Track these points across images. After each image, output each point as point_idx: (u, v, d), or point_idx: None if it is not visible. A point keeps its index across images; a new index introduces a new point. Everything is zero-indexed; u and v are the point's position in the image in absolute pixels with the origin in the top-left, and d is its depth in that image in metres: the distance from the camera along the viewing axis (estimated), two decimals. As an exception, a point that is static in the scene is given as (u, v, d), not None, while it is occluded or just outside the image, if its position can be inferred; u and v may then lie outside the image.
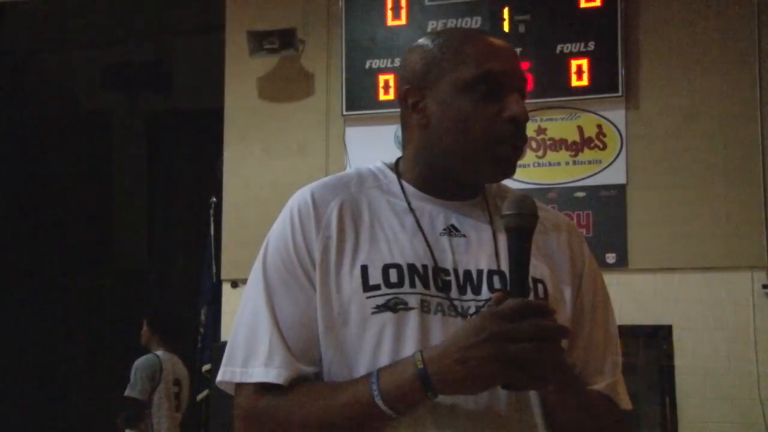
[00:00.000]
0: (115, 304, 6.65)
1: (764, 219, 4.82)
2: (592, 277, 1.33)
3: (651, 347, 4.95)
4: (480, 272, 1.23)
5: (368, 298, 1.18)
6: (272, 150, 5.60)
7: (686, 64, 5.04)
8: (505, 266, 1.22)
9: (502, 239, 1.23)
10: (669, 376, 4.83)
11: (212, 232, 5.74)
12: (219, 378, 1.24)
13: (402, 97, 1.30)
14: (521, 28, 5.13)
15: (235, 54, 5.68)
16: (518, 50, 4.83)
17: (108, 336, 6.62)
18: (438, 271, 1.21)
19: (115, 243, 6.77)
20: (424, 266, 1.21)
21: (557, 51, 5.09)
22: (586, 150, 5.11)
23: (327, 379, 1.20)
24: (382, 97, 5.32)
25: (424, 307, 1.18)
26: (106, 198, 6.86)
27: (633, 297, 4.81)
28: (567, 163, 5.13)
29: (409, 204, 1.27)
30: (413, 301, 1.18)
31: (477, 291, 1.21)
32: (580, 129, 5.12)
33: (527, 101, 1.27)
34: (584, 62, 5.05)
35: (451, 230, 1.26)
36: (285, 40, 5.42)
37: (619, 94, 5.03)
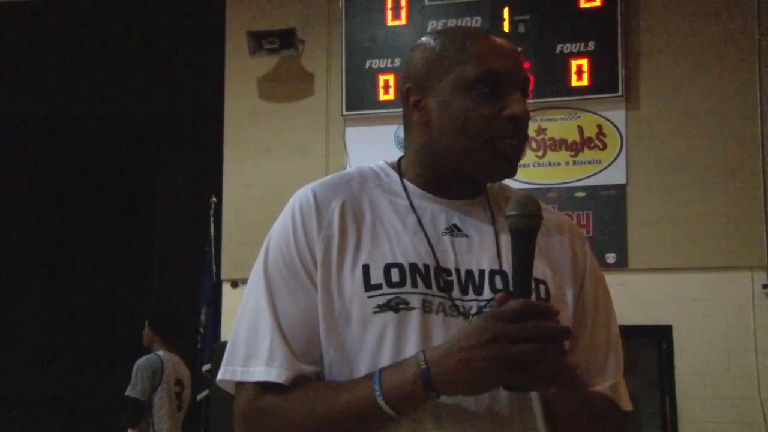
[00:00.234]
0: (115, 303, 6.64)
1: (764, 219, 4.83)
2: (593, 278, 1.32)
3: (651, 347, 4.95)
4: (482, 272, 1.22)
5: (370, 297, 1.18)
6: (272, 150, 5.61)
7: (686, 64, 5.04)
8: (507, 266, 1.22)
9: (505, 239, 1.23)
10: (669, 376, 4.83)
11: (212, 232, 5.74)
12: (219, 377, 1.23)
13: (403, 96, 1.30)
14: (521, 28, 5.13)
15: (235, 54, 5.68)
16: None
17: (108, 336, 6.62)
18: (440, 271, 1.21)
19: (116, 243, 6.77)
20: (426, 266, 1.20)
21: (557, 51, 5.10)
22: (586, 150, 5.11)
23: (328, 378, 1.19)
24: (382, 97, 5.33)
25: (426, 307, 1.18)
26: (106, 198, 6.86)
27: (633, 297, 4.81)
28: (567, 163, 5.13)
29: (411, 203, 1.27)
30: (415, 300, 1.17)
31: (479, 291, 1.21)
32: (580, 129, 5.12)
33: (527, 101, 1.27)
34: (584, 62, 5.06)
35: (453, 230, 1.26)
36: (285, 40, 5.42)
37: (619, 94, 5.03)
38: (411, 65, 1.30)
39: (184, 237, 6.46)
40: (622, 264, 4.95)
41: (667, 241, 4.93)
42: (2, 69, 6.42)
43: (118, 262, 6.72)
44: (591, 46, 5.07)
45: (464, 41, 1.25)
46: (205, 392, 5.33)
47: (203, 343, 5.68)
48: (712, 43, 5.02)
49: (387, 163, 1.35)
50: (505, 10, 5.17)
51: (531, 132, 4.90)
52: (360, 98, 5.40)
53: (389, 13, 5.40)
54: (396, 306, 1.17)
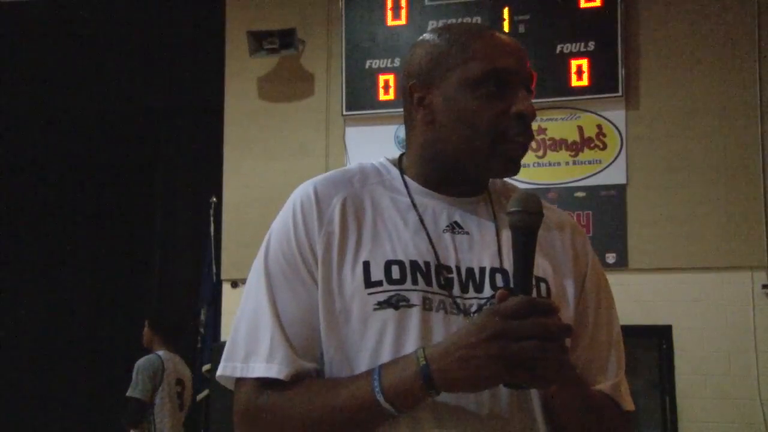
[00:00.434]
0: (115, 303, 6.64)
1: (764, 219, 4.82)
2: (595, 276, 1.32)
3: (651, 347, 4.95)
4: (482, 270, 1.22)
5: (370, 294, 1.17)
6: (272, 150, 5.61)
7: (686, 64, 5.04)
8: (507, 264, 1.22)
9: (506, 237, 1.23)
10: (669, 376, 4.83)
11: (212, 232, 5.74)
12: (219, 372, 1.23)
13: (407, 93, 1.29)
14: (521, 28, 5.13)
15: (235, 54, 5.68)
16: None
17: (108, 336, 6.61)
18: (440, 268, 1.20)
19: (115, 242, 6.76)
20: (427, 263, 1.20)
21: (557, 51, 5.10)
22: (586, 150, 5.11)
23: (328, 375, 1.19)
24: (382, 97, 5.33)
25: (426, 305, 1.17)
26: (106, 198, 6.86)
27: (633, 297, 4.81)
28: (567, 163, 5.13)
29: (412, 200, 1.27)
30: (415, 298, 1.17)
31: (479, 289, 1.21)
32: (580, 129, 5.12)
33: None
34: (584, 62, 5.06)
35: (454, 227, 1.25)
36: (285, 40, 5.42)
37: (619, 94, 5.03)
38: (414, 62, 1.29)
39: (184, 237, 6.46)
40: (622, 264, 4.95)
41: (667, 241, 4.92)
42: (2, 68, 6.41)
43: (118, 261, 6.72)
44: (591, 46, 5.07)
45: (470, 38, 1.25)
46: (206, 392, 5.33)
47: (203, 343, 5.68)
48: (712, 43, 5.02)
49: (388, 159, 1.35)
50: (505, 10, 5.17)
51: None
52: (360, 98, 5.40)
53: (389, 13, 5.40)
54: (396, 303, 1.17)
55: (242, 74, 5.69)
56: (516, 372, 1.05)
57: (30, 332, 6.87)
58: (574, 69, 5.06)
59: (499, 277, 1.22)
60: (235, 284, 5.48)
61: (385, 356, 1.15)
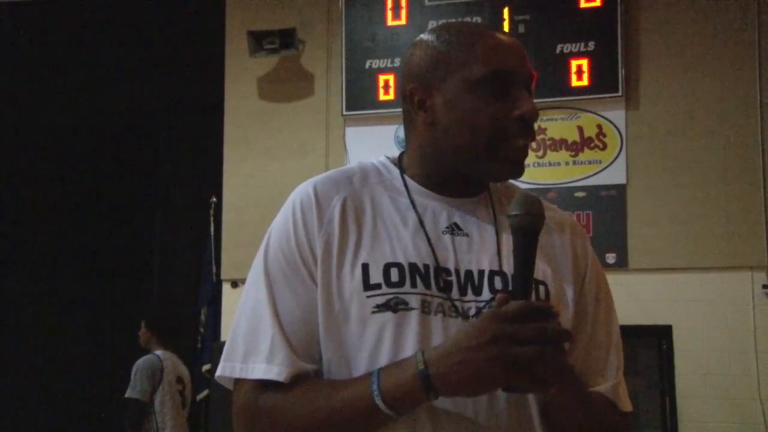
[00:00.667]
0: (115, 303, 6.65)
1: (764, 219, 4.82)
2: (595, 277, 1.31)
3: (651, 347, 4.95)
4: (481, 272, 1.22)
5: (369, 297, 1.17)
6: (272, 150, 5.60)
7: (686, 64, 5.04)
8: (506, 267, 1.21)
9: (506, 239, 1.22)
10: (669, 376, 4.83)
11: (212, 232, 5.74)
12: (218, 372, 1.22)
13: (407, 95, 1.28)
14: (521, 28, 5.13)
15: (235, 54, 5.68)
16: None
17: (108, 336, 6.61)
18: (439, 271, 1.20)
19: (116, 243, 6.76)
20: (426, 266, 1.20)
21: (557, 51, 5.10)
22: (586, 150, 5.11)
23: (327, 375, 1.19)
24: (382, 97, 5.33)
25: (425, 308, 1.17)
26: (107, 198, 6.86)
27: (633, 297, 4.80)
28: (567, 163, 5.13)
29: (411, 201, 1.26)
30: (414, 301, 1.17)
31: (478, 292, 1.20)
32: (580, 129, 5.12)
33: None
34: (584, 62, 5.06)
35: (454, 228, 1.24)
36: (285, 40, 5.42)
37: (619, 94, 5.03)
38: (413, 64, 1.28)
39: (184, 237, 6.46)
40: (622, 264, 4.95)
41: (667, 241, 4.92)
42: (2, 68, 6.41)
43: (118, 262, 6.72)
44: (591, 46, 5.07)
45: (469, 39, 1.24)
46: (206, 392, 5.33)
47: (203, 343, 5.68)
48: (712, 43, 5.02)
49: (388, 158, 1.34)
50: (505, 10, 5.17)
51: (531, 132, 4.90)
52: (360, 98, 5.40)
53: (389, 13, 5.40)
54: (395, 306, 1.16)
55: (242, 74, 5.69)
56: (515, 376, 1.05)
57: (30, 332, 6.88)
58: (574, 69, 5.06)
59: (498, 280, 1.21)
60: (235, 284, 5.48)
61: (384, 359, 1.15)
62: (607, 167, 5.07)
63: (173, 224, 6.53)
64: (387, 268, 1.18)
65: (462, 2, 5.29)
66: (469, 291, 1.20)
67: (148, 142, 6.61)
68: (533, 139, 1.24)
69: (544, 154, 5.15)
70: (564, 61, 5.08)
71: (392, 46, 5.36)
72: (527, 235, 1.11)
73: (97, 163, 6.70)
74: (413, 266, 1.19)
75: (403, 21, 5.39)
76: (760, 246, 4.80)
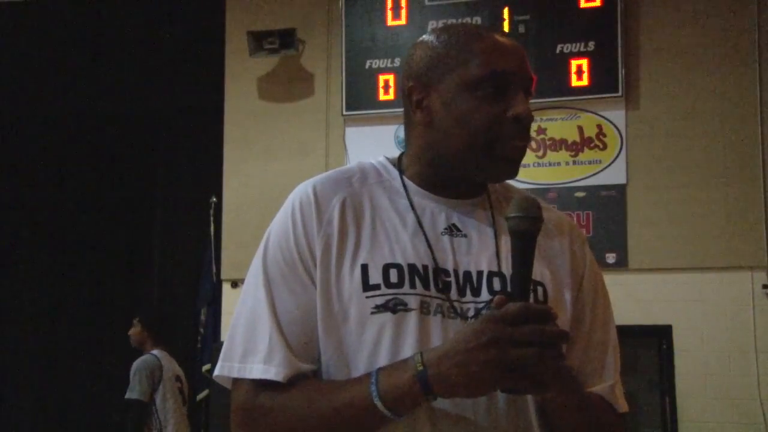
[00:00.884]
0: (114, 303, 6.64)
1: (764, 219, 4.82)
2: (592, 279, 1.31)
3: (651, 347, 4.95)
4: (480, 273, 1.22)
5: (368, 297, 1.17)
6: (272, 150, 5.61)
7: (686, 64, 5.04)
8: (505, 268, 1.22)
9: (504, 240, 1.23)
10: (669, 376, 4.83)
11: (212, 232, 5.74)
12: (217, 372, 1.22)
13: (405, 94, 1.28)
14: (521, 28, 5.13)
15: (235, 54, 5.68)
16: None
17: (108, 336, 6.61)
18: (438, 271, 1.20)
19: (116, 243, 6.76)
20: (425, 267, 1.20)
21: (557, 51, 5.10)
22: (586, 150, 5.11)
23: (325, 376, 1.19)
24: (382, 97, 5.33)
25: (424, 309, 1.17)
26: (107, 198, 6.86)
27: (633, 297, 4.81)
28: (567, 163, 5.13)
29: (410, 201, 1.26)
30: (413, 302, 1.17)
31: (476, 293, 1.20)
32: (580, 129, 5.12)
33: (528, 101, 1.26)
34: (584, 62, 5.06)
35: (453, 230, 1.25)
36: (285, 40, 5.42)
37: (619, 94, 5.03)
38: (413, 64, 1.28)
39: (184, 237, 6.46)
40: (622, 264, 4.95)
41: (667, 241, 4.92)
42: (2, 69, 6.41)
43: (117, 262, 6.72)
44: (591, 46, 5.07)
45: (469, 40, 1.24)
46: (206, 392, 5.34)
47: (203, 343, 5.69)
48: (712, 43, 5.02)
49: (388, 159, 1.34)
50: (505, 10, 5.17)
51: (531, 132, 4.90)
52: (360, 98, 5.40)
53: (389, 13, 5.40)
54: (394, 307, 1.16)
55: (242, 74, 5.69)
56: (513, 378, 1.06)
57: (30, 332, 6.87)
58: (574, 69, 5.06)
59: (496, 281, 1.21)
60: (235, 284, 5.48)
61: (383, 359, 1.15)
62: (607, 167, 5.07)
63: (173, 224, 6.52)
64: (386, 268, 1.19)
65: (462, 2, 5.29)
66: (468, 292, 1.20)
67: (148, 142, 6.61)
68: (528, 140, 1.24)
69: (544, 154, 5.15)
70: (564, 61, 5.08)
71: (392, 46, 5.37)
72: (525, 237, 1.11)
73: (97, 162, 6.70)
74: (412, 267, 1.19)
75: (403, 21, 5.39)
76: (760, 246, 4.80)
